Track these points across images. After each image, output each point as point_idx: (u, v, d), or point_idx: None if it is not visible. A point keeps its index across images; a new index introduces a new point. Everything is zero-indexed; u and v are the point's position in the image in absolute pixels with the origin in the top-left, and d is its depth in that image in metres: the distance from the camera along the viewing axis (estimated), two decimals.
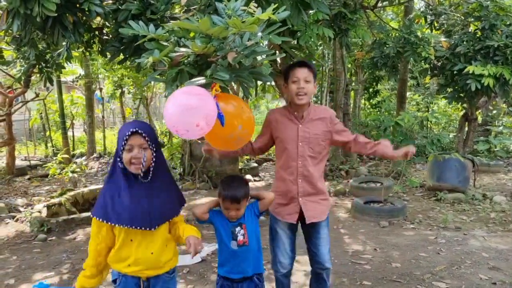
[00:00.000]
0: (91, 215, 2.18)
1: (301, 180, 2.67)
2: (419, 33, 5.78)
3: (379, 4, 6.37)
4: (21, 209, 6.63)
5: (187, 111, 1.95)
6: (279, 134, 2.70)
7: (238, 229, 2.46)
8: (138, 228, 2.13)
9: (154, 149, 2.16)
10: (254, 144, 2.81)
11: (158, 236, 2.23)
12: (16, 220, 6.05)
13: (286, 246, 2.76)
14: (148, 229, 2.15)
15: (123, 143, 2.09)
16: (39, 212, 5.97)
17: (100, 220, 2.13)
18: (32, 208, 6.45)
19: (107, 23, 3.62)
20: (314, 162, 2.69)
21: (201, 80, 2.00)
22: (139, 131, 2.10)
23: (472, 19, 6.32)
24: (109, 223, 2.13)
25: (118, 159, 2.14)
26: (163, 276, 2.31)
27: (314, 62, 4.51)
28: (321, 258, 2.75)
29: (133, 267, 2.23)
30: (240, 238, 2.44)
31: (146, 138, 2.12)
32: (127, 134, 2.08)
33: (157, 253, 2.23)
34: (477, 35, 6.02)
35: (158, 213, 2.19)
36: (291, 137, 2.65)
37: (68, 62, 4.57)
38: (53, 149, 12.30)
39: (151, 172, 2.17)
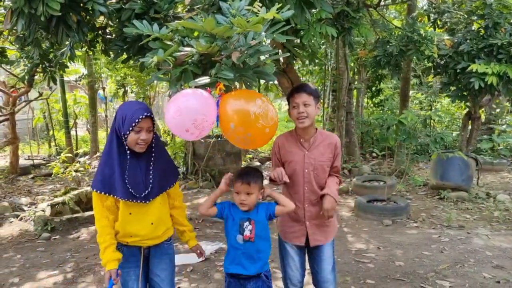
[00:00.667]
0: (92, 189, 2.29)
1: (308, 204, 2.68)
2: (422, 32, 5.75)
3: (382, 3, 6.36)
4: (25, 208, 6.65)
5: (187, 114, 2.02)
6: (286, 159, 2.72)
7: (246, 223, 2.44)
8: (138, 201, 2.27)
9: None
10: None
11: (156, 207, 2.39)
12: (20, 219, 6.08)
13: (296, 263, 2.77)
14: (145, 201, 2.30)
15: (132, 125, 2.19)
16: (43, 211, 5.99)
17: (102, 193, 2.26)
18: (36, 207, 6.48)
19: (110, 22, 3.63)
20: (320, 186, 2.69)
21: (206, 79, 2.00)
22: (151, 115, 2.26)
23: (476, 17, 6.29)
24: (111, 195, 2.26)
25: (122, 136, 2.24)
26: (162, 245, 2.49)
27: (317, 61, 4.50)
28: (323, 278, 2.75)
29: (134, 238, 2.37)
30: (246, 233, 2.43)
31: (153, 121, 2.29)
32: (140, 117, 2.20)
33: (156, 224, 2.39)
34: (481, 33, 5.99)
35: (155, 186, 2.34)
36: (298, 163, 2.66)
37: (72, 62, 4.58)
38: (56, 148, 12.32)
39: (149, 148, 2.34)
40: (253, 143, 2.27)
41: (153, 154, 2.38)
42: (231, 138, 2.21)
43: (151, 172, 2.35)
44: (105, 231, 2.31)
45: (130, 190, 2.26)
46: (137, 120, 2.20)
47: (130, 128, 2.20)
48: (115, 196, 2.26)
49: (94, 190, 2.28)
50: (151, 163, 2.37)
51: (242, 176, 2.42)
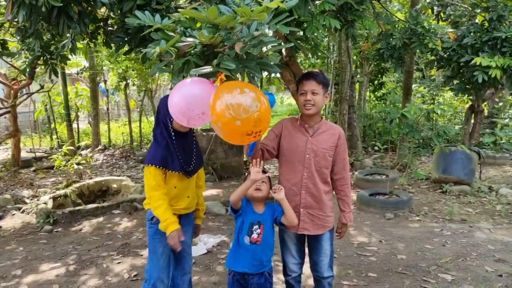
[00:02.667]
0: (149, 164, 2.59)
1: (305, 191, 2.69)
2: (425, 24, 5.70)
3: None
4: (27, 200, 6.66)
5: (190, 101, 2.07)
6: (287, 143, 2.71)
7: (256, 227, 2.53)
8: (187, 175, 2.68)
9: None
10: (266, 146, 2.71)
11: (192, 183, 2.80)
12: (22, 212, 6.09)
13: (293, 252, 2.82)
14: (191, 175, 2.72)
15: None
16: (45, 203, 6.00)
17: (160, 167, 2.57)
18: (38, 200, 6.49)
19: (112, 13, 3.61)
20: (320, 176, 2.70)
21: (207, 68, 1.98)
22: None
23: (480, 10, 6.23)
24: (167, 169, 2.59)
25: (169, 122, 2.59)
26: (191, 214, 2.88)
27: (319, 53, 4.47)
28: (320, 267, 2.80)
29: (173, 207, 2.66)
30: (254, 235, 2.52)
31: None
32: None
33: (191, 197, 2.80)
34: (485, 26, 5.94)
35: (197, 163, 2.77)
36: (299, 148, 2.67)
37: (73, 54, 4.56)
38: (58, 141, 12.34)
39: (189, 131, 2.74)
40: (225, 135, 2.09)
41: (194, 137, 2.81)
42: (215, 129, 2.12)
43: (194, 150, 2.76)
44: (162, 197, 2.57)
45: (182, 164, 2.62)
46: None
47: None
48: (171, 170, 2.60)
49: (153, 165, 2.57)
50: (194, 143, 2.78)
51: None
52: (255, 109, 1.95)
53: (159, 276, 2.72)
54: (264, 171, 2.49)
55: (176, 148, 2.62)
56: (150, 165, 2.58)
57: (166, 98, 2.60)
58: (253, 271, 2.56)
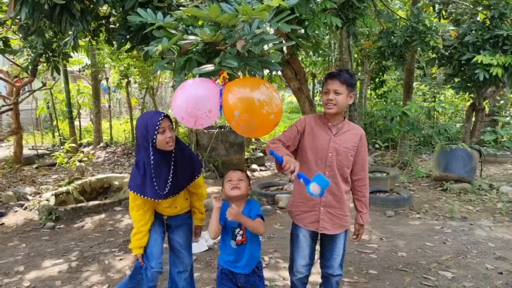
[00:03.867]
0: (129, 189, 2.66)
1: (327, 190, 2.66)
2: (427, 22, 5.70)
3: None
4: (30, 197, 6.68)
5: (196, 100, 2.08)
6: (310, 140, 2.67)
7: (237, 230, 2.54)
8: (169, 197, 2.67)
9: None
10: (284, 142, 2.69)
11: (181, 195, 2.81)
12: (25, 208, 6.11)
13: (305, 253, 2.77)
14: (174, 195, 2.70)
15: (156, 128, 2.46)
16: (47, 200, 6.02)
17: (138, 194, 2.61)
18: (40, 197, 6.52)
19: (114, 11, 3.62)
20: (342, 176, 2.68)
21: (209, 67, 2.00)
22: (168, 115, 2.56)
23: (481, 8, 6.24)
24: (144, 196, 2.61)
25: (151, 141, 2.50)
26: (181, 215, 2.90)
27: (320, 51, 4.47)
28: (331, 265, 2.78)
29: (162, 211, 2.83)
30: (238, 238, 2.55)
31: (172, 120, 2.60)
32: (160, 119, 2.48)
33: (180, 207, 2.85)
34: (486, 24, 5.94)
35: (182, 181, 2.71)
36: (322, 146, 2.63)
37: (75, 52, 4.57)
38: (60, 139, 12.36)
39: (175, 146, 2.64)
40: (258, 131, 2.26)
41: (173, 154, 2.66)
42: (236, 126, 2.20)
43: (171, 172, 2.64)
44: (141, 219, 2.70)
45: (158, 191, 2.60)
46: (158, 122, 2.47)
47: (156, 132, 2.47)
48: (148, 198, 2.61)
49: (131, 190, 2.64)
50: (172, 164, 2.65)
51: (233, 169, 2.65)
52: (279, 101, 2.17)
53: (149, 263, 2.79)
54: (240, 169, 2.61)
55: (153, 175, 2.58)
56: (129, 189, 2.68)
57: (141, 118, 2.60)
58: (240, 271, 2.58)
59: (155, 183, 2.58)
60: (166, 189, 2.62)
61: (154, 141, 2.49)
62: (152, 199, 2.62)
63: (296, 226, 2.80)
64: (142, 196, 2.61)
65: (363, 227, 2.84)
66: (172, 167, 2.64)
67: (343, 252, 2.81)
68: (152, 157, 2.53)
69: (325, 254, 2.82)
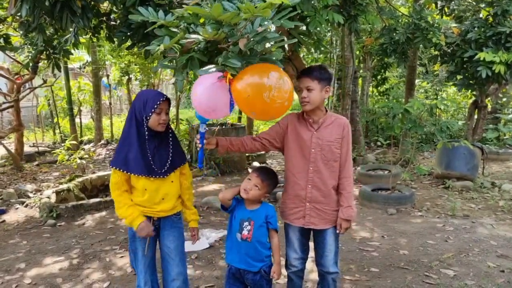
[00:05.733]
0: (110, 166, 2.55)
1: (311, 186, 2.67)
2: (429, 19, 5.67)
3: None
4: (30, 194, 6.68)
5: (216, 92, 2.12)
6: (292, 138, 2.71)
7: (246, 223, 2.54)
8: (157, 176, 2.53)
9: None
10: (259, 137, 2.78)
11: (168, 184, 2.62)
12: (26, 206, 6.11)
13: (295, 247, 2.80)
14: (164, 176, 2.56)
15: (155, 107, 2.46)
16: (48, 197, 6.02)
17: (121, 170, 2.50)
18: (41, 194, 6.52)
19: (115, 8, 3.59)
20: (329, 170, 2.67)
21: (213, 68, 1.99)
22: (169, 99, 2.56)
23: (484, 5, 6.21)
24: (128, 173, 2.51)
25: (144, 118, 2.48)
26: (171, 218, 2.72)
27: (322, 48, 4.45)
28: (324, 262, 2.77)
29: (147, 209, 2.60)
30: (244, 232, 2.54)
31: (169, 104, 2.59)
32: (160, 100, 2.47)
33: (167, 199, 2.63)
34: (489, 21, 5.91)
35: (171, 162, 2.60)
36: (305, 142, 2.66)
37: (76, 48, 4.56)
38: (61, 136, 12.37)
39: (166, 129, 2.61)
40: (272, 108, 2.13)
41: (170, 135, 2.66)
42: (249, 105, 2.12)
43: (170, 150, 2.61)
44: (122, 195, 2.56)
45: (153, 166, 2.51)
46: (158, 103, 2.46)
47: (153, 110, 2.45)
48: (134, 174, 2.50)
49: (113, 167, 2.53)
50: (170, 142, 2.64)
51: (260, 171, 2.62)
52: (288, 87, 2.11)
53: (142, 278, 2.68)
54: (265, 176, 2.59)
55: (148, 150, 2.52)
56: (111, 166, 2.55)
57: (142, 93, 2.60)
58: (245, 267, 2.58)
59: (150, 159, 2.51)
60: (167, 165, 2.58)
61: (148, 118, 2.47)
62: (141, 176, 2.50)
63: (285, 222, 2.85)
64: (126, 172, 2.51)
65: (347, 222, 2.70)
66: (171, 144, 2.64)
67: (336, 249, 2.79)
68: (147, 134, 2.51)
69: (318, 251, 2.83)
